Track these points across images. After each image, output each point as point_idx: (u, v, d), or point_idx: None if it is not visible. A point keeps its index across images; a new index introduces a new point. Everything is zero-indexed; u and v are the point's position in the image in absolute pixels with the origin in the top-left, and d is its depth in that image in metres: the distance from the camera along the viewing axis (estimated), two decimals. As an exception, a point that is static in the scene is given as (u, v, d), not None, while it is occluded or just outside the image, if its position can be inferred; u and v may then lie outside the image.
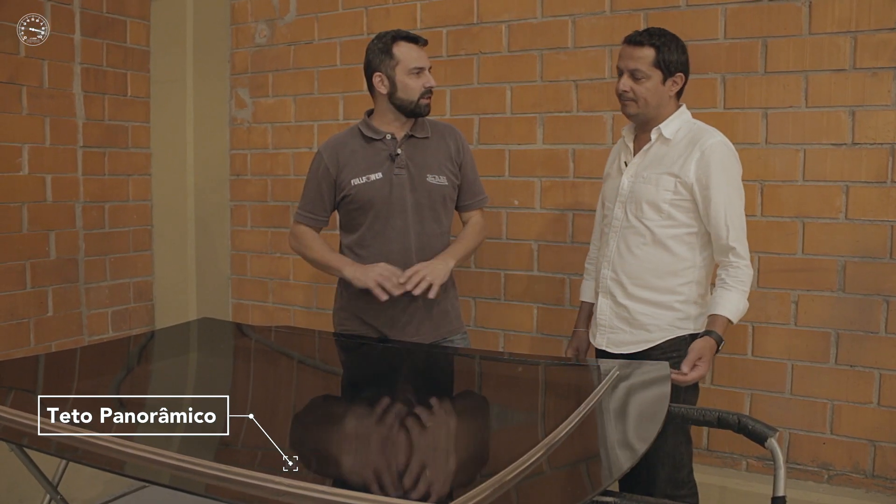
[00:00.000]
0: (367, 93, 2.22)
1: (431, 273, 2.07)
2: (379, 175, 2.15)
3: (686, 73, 1.99)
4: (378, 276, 2.06)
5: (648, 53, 1.93)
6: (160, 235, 3.50)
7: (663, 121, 1.98)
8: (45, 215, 3.03)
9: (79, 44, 3.12)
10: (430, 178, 2.17)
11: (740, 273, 1.91)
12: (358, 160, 2.17)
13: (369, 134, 2.18)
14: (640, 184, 1.98)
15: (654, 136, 1.99)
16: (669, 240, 1.95)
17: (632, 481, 2.06)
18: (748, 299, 1.95)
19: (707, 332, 1.89)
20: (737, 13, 2.50)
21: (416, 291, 2.05)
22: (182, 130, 3.40)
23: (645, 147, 2.00)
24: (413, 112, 2.15)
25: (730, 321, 1.90)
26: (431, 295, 2.06)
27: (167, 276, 3.49)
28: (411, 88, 2.12)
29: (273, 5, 3.43)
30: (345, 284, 2.22)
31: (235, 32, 3.54)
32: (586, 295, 2.23)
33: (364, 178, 2.15)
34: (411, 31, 2.16)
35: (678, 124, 1.98)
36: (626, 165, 2.05)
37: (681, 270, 1.96)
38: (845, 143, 2.39)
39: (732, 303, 1.90)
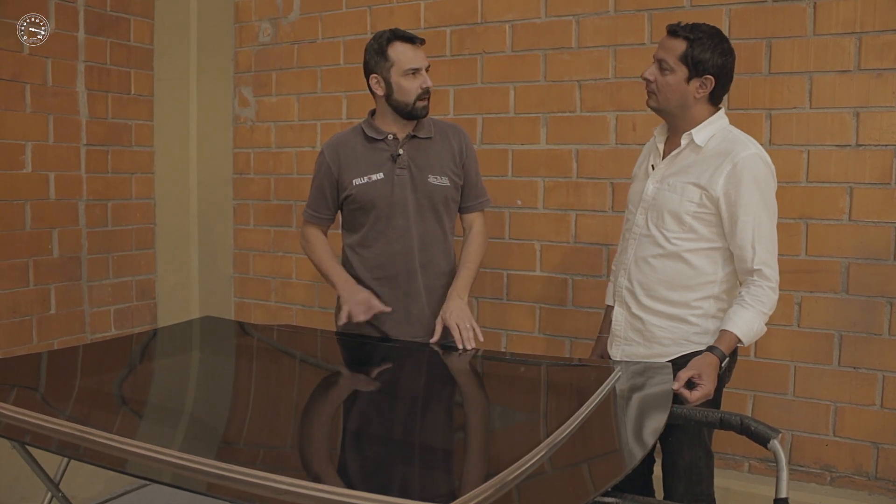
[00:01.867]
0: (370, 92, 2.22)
1: (464, 318, 2.06)
2: (380, 175, 2.14)
3: (719, 78, 1.81)
4: (355, 307, 2.11)
5: (678, 46, 1.79)
6: (163, 233, 3.50)
7: (695, 125, 1.83)
8: (48, 213, 3.03)
9: (82, 42, 3.12)
10: (431, 179, 2.16)
11: (762, 294, 1.76)
12: (359, 160, 2.17)
13: (371, 134, 2.17)
14: (664, 191, 1.86)
15: (684, 141, 1.84)
16: (688, 253, 1.83)
17: (650, 491, 2.06)
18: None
19: (710, 348, 1.76)
20: (741, 13, 2.49)
21: (472, 345, 2.03)
22: (185, 129, 3.40)
23: (674, 152, 1.87)
24: (409, 114, 2.13)
25: (740, 340, 1.76)
26: (481, 339, 2.05)
27: (170, 274, 3.49)
28: (407, 90, 2.09)
29: (277, 4, 3.43)
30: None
31: (239, 31, 3.54)
32: (610, 298, 2.11)
33: (365, 178, 2.15)
34: (408, 31, 2.13)
35: (712, 131, 1.83)
36: (654, 169, 1.92)
37: (698, 285, 1.84)
38: (849, 145, 2.38)
39: (745, 321, 1.75)
